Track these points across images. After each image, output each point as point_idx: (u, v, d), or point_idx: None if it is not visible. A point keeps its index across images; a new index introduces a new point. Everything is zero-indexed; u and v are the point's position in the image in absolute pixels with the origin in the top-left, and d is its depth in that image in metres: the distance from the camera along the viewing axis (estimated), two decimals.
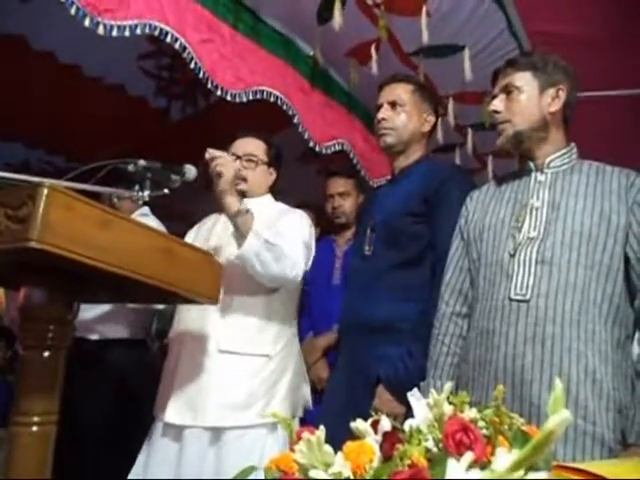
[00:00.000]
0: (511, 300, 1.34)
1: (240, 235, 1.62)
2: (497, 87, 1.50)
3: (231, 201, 1.62)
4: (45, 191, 0.98)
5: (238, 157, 1.90)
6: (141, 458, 1.73)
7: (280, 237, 1.68)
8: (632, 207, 1.33)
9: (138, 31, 1.78)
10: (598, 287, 1.30)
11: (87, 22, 1.65)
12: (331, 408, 1.69)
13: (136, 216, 2.16)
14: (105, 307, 2.27)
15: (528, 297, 1.32)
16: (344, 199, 2.55)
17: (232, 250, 1.66)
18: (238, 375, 1.69)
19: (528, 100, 1.44)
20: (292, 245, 1.70)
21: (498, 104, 1.47)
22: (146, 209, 2.46)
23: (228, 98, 2.11)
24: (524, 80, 1.45)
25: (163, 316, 2.11)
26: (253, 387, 1.69)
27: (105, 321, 2.30)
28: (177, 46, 1.90)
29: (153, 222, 2.23)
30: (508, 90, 1.46)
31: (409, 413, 0.80)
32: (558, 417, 0.42)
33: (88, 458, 2.24)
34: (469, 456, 0.48)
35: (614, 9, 2.08)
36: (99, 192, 1.47)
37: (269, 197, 1.99)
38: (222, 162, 1.63)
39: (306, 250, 1.78)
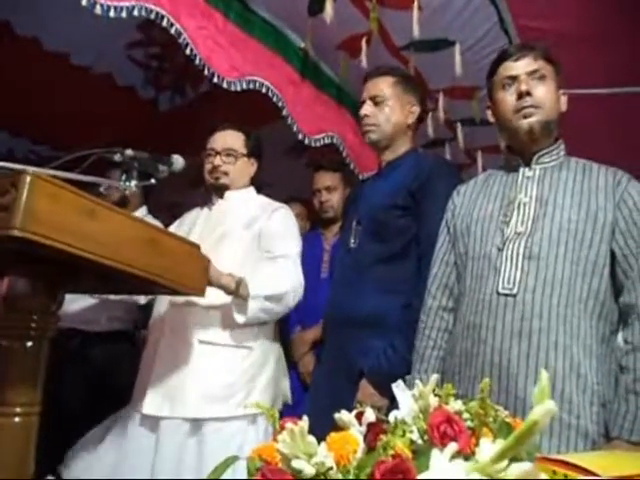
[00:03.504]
0: (499, 294, 1.34)
1: (241, 299, 1.65)
2: (520, 68, 1.43)
3: (226, 282, 1.62)
4: (28, 178, 0.97)
5: (217, 152, 1.90)
6: (110, 443, 1.70)
7: (274, 264, 1.76)
8: (618, 204, 1.34)
9: (135, 13, 1.75)
10: (584, 282, 1.30)
11: (84, 1, 1.63)
12: (316, 401, 1.69)
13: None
14: (90, 300, 2.25)
15: (515, 291, 1.32)
16: (331, 193, 2.55)
17: (213, 240, 1.73)
18: (218, 366, 1.69)
19: (554, 92, 1.43)
20: (289, 271, 1.77)
21: (532, 87, 1.40)
22: (144, 209, 2.46)
23: (224, 86, 2.09)
24: (550, 72, 1.44)
25: (149, 308, 2.10)
26: (233, 379, 1.69)
27: (90, 313, 2.28)
28: (173, 31, 1.88)
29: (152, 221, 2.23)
30: (536, 76, 1.42)
31: (392, 406, 0.80)
32: (542, 407, 0.42)
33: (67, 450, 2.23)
34: (453, 446, 0.48)
35: (606, 6, 2.08)
36: (93, 183, 1.45)
37: (251, 189, 1.99)
38: None
39: (299, 254, 1.84)
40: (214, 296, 1.63)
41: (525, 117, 1.40)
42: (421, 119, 1.90)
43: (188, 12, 1.95)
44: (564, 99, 1.47)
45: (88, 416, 2.23)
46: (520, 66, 1.44)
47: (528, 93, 1.40)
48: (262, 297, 1.65)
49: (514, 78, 1.44)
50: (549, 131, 1.43)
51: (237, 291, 1.63)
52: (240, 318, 1.65)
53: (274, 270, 1.76)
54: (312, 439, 0.59)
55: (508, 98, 1.44)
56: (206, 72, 2.01)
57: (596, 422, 1.24)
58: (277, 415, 0.69)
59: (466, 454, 0.62)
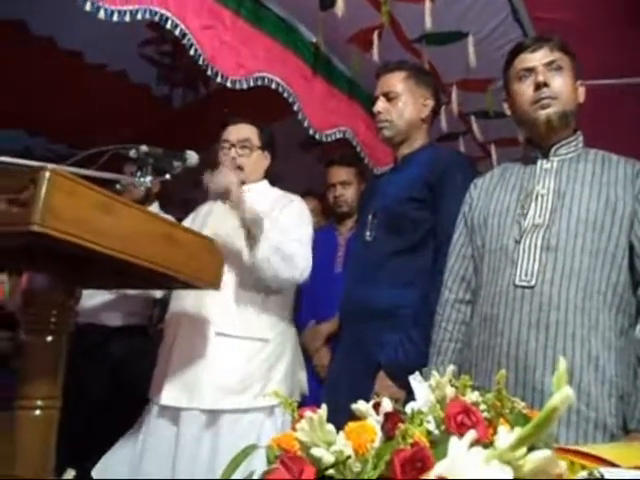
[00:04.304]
0: (516, 286, 1.33)
1: (251, 239, 1.63)
2: (536, 60, 1.42)
3: (249, 210, 1.62)
4: (47, 175, 0.98)
5: (232, 145, 1.89)
6: (134, 442, 1.72)
7: (287, 238, 1.71)
8: (638, 196, 1.32)
9: (139, 16, 1.77)
10: (602, 275, 1.29)
11: (88, 6, 1.64)
12: (332, 394, 1.69)
13: None
14: (108, 295, 2.28)
15: (533, 283, 1.31)
16: (345, 188, 2.54)
17: (227, 233, 1.71)
18: (235, 358, 1.70)
19: (572, 84, 1.43)
20: (299, 245, 1.73)
21: (549, 78, 1.39)
22: (157, 205, 2.48)
23: (228, 85, 2.10)
24: (567, 63, 1.43)
25: (164, 302, 2.13)
26: (250, 370, 1.70)
27: (108, 308, 2.31)
28: (177, 32, 1.89)
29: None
30: (552, 67, 1.41)
31: (409, 398, 0.80)
32: (561, 394, 0.42)
33: (91, 446, 2.26)
34: (472, 434, 0.48)
35: None
36: (111, 180, 1.47)
37: (265, 183, 1.99)
38: (225, 180, 1.63)
39: (311, 244, 1.80)
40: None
41: (543, 108, 1.39)
42: (435, 112, 1.89)
43: (194, 11, 1.95)
44: (582, 90, 1.46)
45: (108, 411, 2.27)
46: (537, 57, 1.43)
47: (545, 84, 1.39)
48: (275, 245, 1.64)
49: (531, 70, 1.43)
50: (567, 122, 1.42)
51: (253, 223, 1.62)
52: (248, 257, 1.66)
53: (287, 235, 1.75)
54: (331, 427, 0.60)
55: (525, 90, 1.43)
56: (209, 72, 2.01)
57: (614, 415, 1.23)
58: (295, 405, 0.70)
59: (484, 444, 0.62)
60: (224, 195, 1.63)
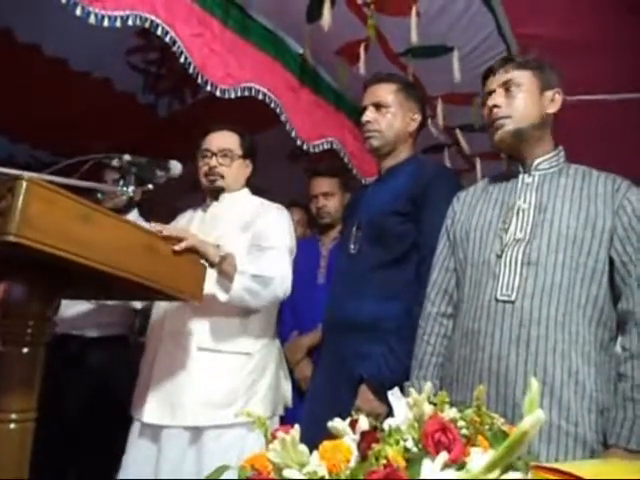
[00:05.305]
0: (497, 301, 1.34)
1: (225, 276, 1.60)
2: (494, 83, 1.47)
3: (213, 253, 1.57)
4: (24, 184, 0.97)
5: (213, 153, 1.88)
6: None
7: (262, 255, 1.70)
8: (617, 211, 1.33)
9: (130, 22, 1.76)
10: (582, 289, 1.30)
11: (78, 11, 1.64)
12: (314, 407, 1.68)
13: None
14: (87, 305, 2.25)
15: (514, 298, 1.32)
16: (328, 199, 2.54)
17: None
18: (218, 373, 1.68)
19: (530, 98, 1.44)
20: (277, 260, 1.71)
21: (499, 99, 1.44)
22: (136, 212, 2.45)
23: (217, 94, 2.09)
24: (525, 78, 1.45)
25: (146, 313, 2.10)
26: (233, 385, 1.68)
27: (87, 319, 2.28)
28: (167, 39, 1.88)
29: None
30: (508, 86, 1.45)
31: (391, 413, 0.80)
32: (532, 417, 0.41)
33: (69, 457, 2.23)
34: (443, 456, 0.48)
35: (602, 13, 2.09)
36: (93, 189, 1.46)
37: (246, 191, 1.97)
38: (183, 239, 1.47)
39: (291, 255, 1.79)
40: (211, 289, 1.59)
41: (496, 129, 1.44)
42: (421, 126, 1.90)
43: (184, 19, 1.95)
44: (558, 97, 1.46)
45: (86, 422, 2.24)
46: (494, 81, 1.48)
47: (495, 106, 1.44)
48: (249, 274, 1.60)
49: (491, 93, 1.48)
50: (523, 138, 1.43)
51: (221, 265, 1.58)
52: (223, 296, 1.60)
53: (261, 257, 1.72)
54: (304, 448, 0.59)
55: (486, 112, 1.48)
56: (199, 80, 2.01)
57: (594, 430, 1.24)
58: (270, 424, 0.69)
59: (461, 463, 0.62)
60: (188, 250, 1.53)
